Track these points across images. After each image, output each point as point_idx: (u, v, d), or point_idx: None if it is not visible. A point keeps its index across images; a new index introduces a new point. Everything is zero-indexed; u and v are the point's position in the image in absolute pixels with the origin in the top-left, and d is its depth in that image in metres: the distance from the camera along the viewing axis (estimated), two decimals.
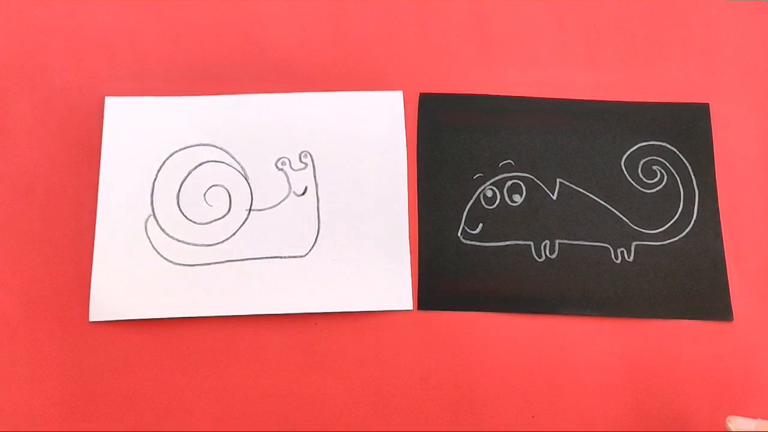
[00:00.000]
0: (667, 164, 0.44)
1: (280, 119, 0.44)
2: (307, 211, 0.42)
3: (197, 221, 0.42)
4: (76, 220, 0.42)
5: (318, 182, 0.43)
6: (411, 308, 0.41)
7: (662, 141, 0.45)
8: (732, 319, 0.41)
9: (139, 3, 0.47)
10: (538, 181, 0.44)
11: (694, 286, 0.42)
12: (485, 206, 0.43)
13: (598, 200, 0.43)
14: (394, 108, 0.44)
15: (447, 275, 0.42)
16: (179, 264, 0.41)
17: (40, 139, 0.44)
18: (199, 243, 0.41)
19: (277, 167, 0.43)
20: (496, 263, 0.42)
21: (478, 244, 0.43)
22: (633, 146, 0.45)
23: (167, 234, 0.41)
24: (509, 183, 0.44)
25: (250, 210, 0.42)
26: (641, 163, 0.44)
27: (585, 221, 0.43)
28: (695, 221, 0.43)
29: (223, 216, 0.42)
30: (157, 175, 0.43)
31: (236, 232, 0.42)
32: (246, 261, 0.41)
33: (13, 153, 0.44)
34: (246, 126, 0.44)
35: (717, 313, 0.41)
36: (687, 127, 0.45)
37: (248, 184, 0.43)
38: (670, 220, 0.43)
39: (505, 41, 0.47)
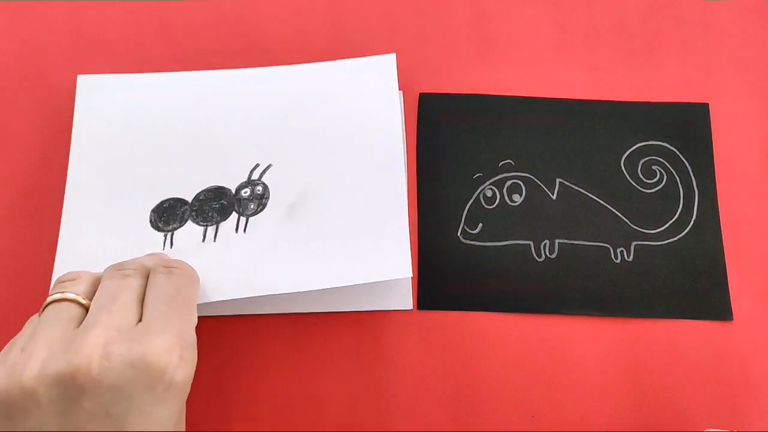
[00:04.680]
0: (667, 164, 0.44)
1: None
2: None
3: None
4: None
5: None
6: (411, 308, 0.41)
7: (662, 141, 0.45)
8: (732, 319, 0.41)
9: (139, 3, 0.47)
10: (538, 181, 0.44)
11: (694, 286, 0.42)
12: (485, 206, 0.43)
13: (598, 200, 0.43)
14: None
15: (447, 275, 0.42)
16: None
17: (40, 139, 0.44)
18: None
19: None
20: (496, 263, 0.42)
21: (478, 243, 0.43)
22: (633, 146, 0.45)
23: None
24: (509, 183, 0.44)
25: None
26: (641, 163, 0.44)
27: (585, 221, 0.43)
28: (695, 221, 0.43)
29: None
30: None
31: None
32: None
33: (13, 153, 0.44)
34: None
35: (717, 313, 0.41)
36: (687, 127, 0.45)
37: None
38: (670, 220, 0.43)
39: (505, 41, 0.47)
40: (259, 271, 0.38)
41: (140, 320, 0.31)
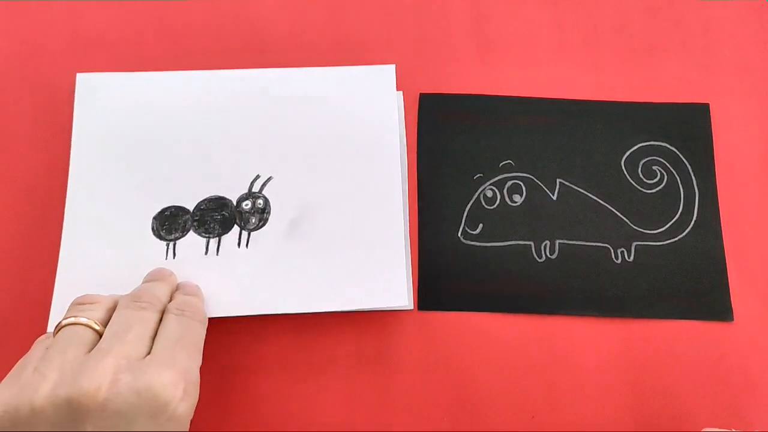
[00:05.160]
0: (667, 164, 0.44)
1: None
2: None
3: None
4: None
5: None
6: (411, 308, 0.41)
7: (662, 141, 0.45)
8: (732, 319, 0.41)
9: (138, 3, 0.47)
10: (538, 181, 0.44)
11: (694, 286, 0.42)
12: (485, 206, 0.43)
13: (598, 200, 0.43)
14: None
15: (447, 275, 0.42)
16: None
17: (40, 139, 0.44)
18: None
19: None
20: (496, 263, 0.42)
21: (478, 244, 0.43)
22: (633, 146, 0.45)
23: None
24: (509, 183, 0.44)
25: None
26: (641, 163, 0.44)
27: (585, 221, 0.43)
28: (695, 221, 0.43)
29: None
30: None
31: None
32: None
33: (13, 153, 0.44)
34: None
35: (717, 313, 0.41)
36: (687, 127, 0.45)
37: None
38: (670, 220, 0.43)
39: (504, 41, 0.47)
40: (261, 290, 0.39)
41: (148, 353, 0.32)
